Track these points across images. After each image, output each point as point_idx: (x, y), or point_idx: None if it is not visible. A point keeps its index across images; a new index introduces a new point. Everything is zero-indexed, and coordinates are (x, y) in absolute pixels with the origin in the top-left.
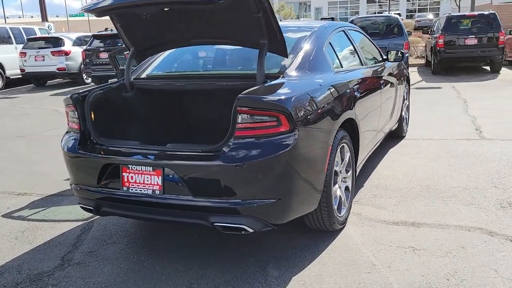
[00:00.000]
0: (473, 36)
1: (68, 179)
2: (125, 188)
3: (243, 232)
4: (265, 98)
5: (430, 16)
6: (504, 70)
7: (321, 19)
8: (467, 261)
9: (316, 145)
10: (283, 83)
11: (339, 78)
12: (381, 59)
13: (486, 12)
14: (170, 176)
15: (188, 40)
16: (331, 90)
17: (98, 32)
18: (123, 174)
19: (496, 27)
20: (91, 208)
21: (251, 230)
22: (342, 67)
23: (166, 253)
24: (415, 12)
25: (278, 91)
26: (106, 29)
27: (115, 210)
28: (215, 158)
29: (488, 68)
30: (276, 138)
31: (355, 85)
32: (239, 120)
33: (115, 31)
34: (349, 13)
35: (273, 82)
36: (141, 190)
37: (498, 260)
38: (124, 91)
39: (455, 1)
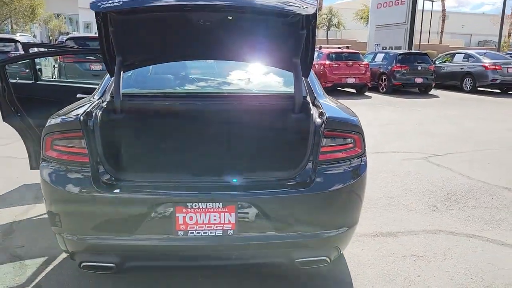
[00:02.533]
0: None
1: None
2: (181, 233)
3: (323, 264)
4: (347, 120)
5: None
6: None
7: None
8: (465, 260)
9: None
10: (328, 104)
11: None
12: None
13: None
14: (245, 211)
15: (203, 55)
16: None
17: None
18: (177, 215)
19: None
20: (112, 265)
21: (329, 261)
22: None
23: None
24: None
25: (344, 112)
26: None
27: (156, 262)
28: (302, 186)
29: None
30: (356, 161)
31: None
32: (324, 143)
33: None
34: None
35: (323, 103)
36: (206, 233)
37: (492, 253)
38: (113, 112)
39: None
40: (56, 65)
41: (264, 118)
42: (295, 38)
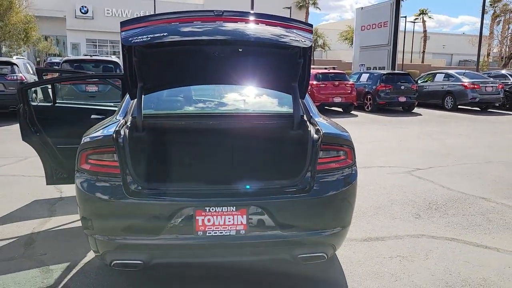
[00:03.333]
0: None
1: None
2: (199, 233)
3: (321, 260)
4: (340, 135)
5: None
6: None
7: (84, 55)
8: (445, 259)
9: None
10: (322, 122)
11: None
12: None
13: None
14: (255, 214)
15: (214, 80)
16: None
17: None
18: (197, 217)
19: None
20: (140, 262)
21: (326, 257)
22: None
23: None
24: None
25: (337, 129)
26: None
27: (178, 259)
28: (302, 192)
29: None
30: (348, 170)
31: None
32: (320, 155)
33: None
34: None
35: (318, 121)
36: (222, 233)
37: (469, 253)
38: (136, 131)
39: None
40: (50, 87)
41: (268, 134)
42: (294, 66)
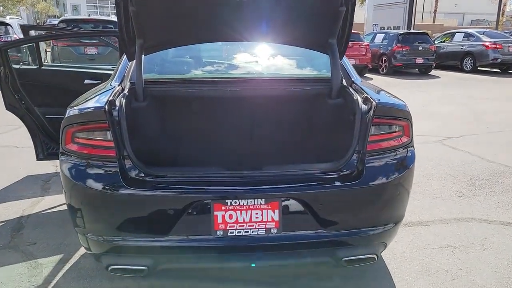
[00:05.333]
0: None
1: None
2: (219, 232)
3: (370, 262)
4: (396, 105)
5: None
6: None
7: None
8: (506, 250)
9: None
10: (369, 88)
11: None
12: None
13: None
14: (289, 207)
15: (231, 36)
16: None
17: None
18: (216, 213)
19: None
20: (143, 267)
21: (376, 258)
22: None
23: None
24: None
25: (390, 97)
26: None
27: (193, 263)
28: (349, 179)
29: None
30: (403, 151)
31: None
32: (372, 131)
33: None
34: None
35: (363, 87)
36: (247, 232)
37: None
38: (136, 100)
39: None
40: (48, 49)
41: (299, 104)
42: (333, 16)
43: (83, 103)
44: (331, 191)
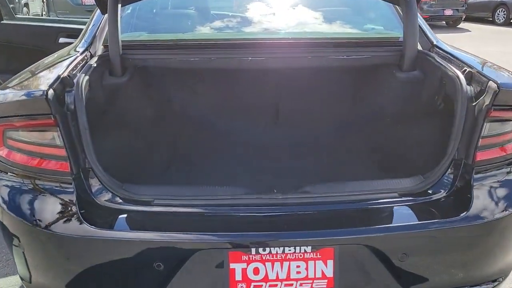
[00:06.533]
0: None
1: None
2: None
3: None
4: None
5: None
6: None
7: None
8: None
9: None
10: (467, 56)
11: None
12: None
13: None
14: (351, 256)
15: None
16: None
17: None
18: (232, 265)
19: None
20: None
21: None
22: None
23: None
24: None
25: (504, 73)
26: None
27: None
28: (450, 209)
29: None
30: None
31: None
32: (486, 131)
33: None
34: None
35: (456, 54)
36: None
37: None
38: (109, 74)
39: None
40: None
41: (353, 81)
42: None
43: (24, 81)
44: (422, 232)
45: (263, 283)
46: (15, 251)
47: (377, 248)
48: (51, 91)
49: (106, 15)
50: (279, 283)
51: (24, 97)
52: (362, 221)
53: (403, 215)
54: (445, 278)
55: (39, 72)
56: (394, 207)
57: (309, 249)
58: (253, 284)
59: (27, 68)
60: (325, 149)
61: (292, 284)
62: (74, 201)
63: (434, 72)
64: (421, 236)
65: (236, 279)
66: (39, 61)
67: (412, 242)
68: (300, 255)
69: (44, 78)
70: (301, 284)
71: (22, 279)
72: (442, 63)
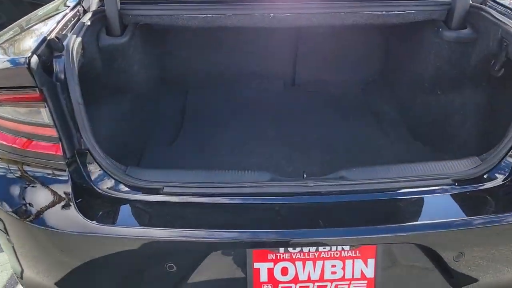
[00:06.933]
0: None
1: None
2: None
3: None
4: None
5: None
6: None
7: None
8: None
9: None
10: None
11: None
12: None
13: None
14: (396, 256)
15: None
16: None
17: None
18: (255, 265)
19: None
20: None
21: None
22: None
23: None
24: None
25: None
26: None
27: None
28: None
29: None
30: None
31: None
32: None
33: None
34: None
35: None
36: None
37: None
38: (106, 34)
39: None
40: None
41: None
42: None
43: (7, 41)
44: (485, 228)
45: (292, 285)
46: (4, 246)
47: (430, 247)
48: (34, 58)
49: None
50: (311, 284)
51: (3, 65)
52: (412, 214)
53: (460, 207)
54: (500, 277)
55: (28, 28)
56: (449, 197)
57: (347, 246)
58: (280, 285)
59: (15, 23)
60: (356, 124)
61: (326, 286)
62: (68, 191)
63: (490, 31)
64: (483, 233)
65: (260, 281)
66: (31, 13)
67: (471, 239)
68: (337, 253)
69: (31, 39)
70: (336, 286)
71: (14, 272)
72: (501, 19)
